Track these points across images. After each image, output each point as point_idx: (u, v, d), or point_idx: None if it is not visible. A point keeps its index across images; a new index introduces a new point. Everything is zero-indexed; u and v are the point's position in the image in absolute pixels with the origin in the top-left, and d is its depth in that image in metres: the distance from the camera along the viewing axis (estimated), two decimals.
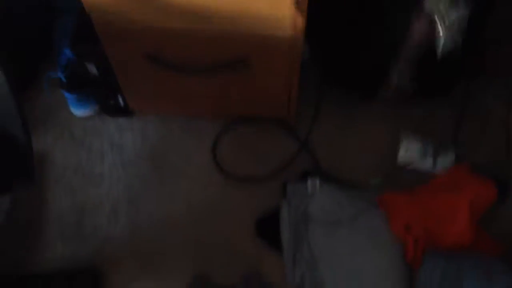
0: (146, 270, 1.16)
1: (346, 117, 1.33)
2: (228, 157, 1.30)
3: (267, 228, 1.19)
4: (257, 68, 1.09)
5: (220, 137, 1.32)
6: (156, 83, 1.20)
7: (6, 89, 0.80)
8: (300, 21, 0.97)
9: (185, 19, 0.99)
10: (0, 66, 0.79)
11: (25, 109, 1.35)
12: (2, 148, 0.87)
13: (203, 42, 1.05)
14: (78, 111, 1.34)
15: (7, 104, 0.83)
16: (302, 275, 1.11)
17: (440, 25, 0.92)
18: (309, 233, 1.14)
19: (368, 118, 1.32)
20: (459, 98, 1.29)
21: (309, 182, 1.20)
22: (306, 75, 1.29)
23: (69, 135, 1.34)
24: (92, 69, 1.23)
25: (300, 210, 1.17)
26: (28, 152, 0.93)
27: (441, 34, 0.94)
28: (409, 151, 1.24)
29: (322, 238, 1.13)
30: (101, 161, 1.30)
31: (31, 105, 1.38)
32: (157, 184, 1.27)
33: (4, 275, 1.13)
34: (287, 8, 0.93)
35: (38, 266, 1.15)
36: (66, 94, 1.31)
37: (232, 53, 1.06)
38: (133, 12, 0.99)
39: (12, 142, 0.89)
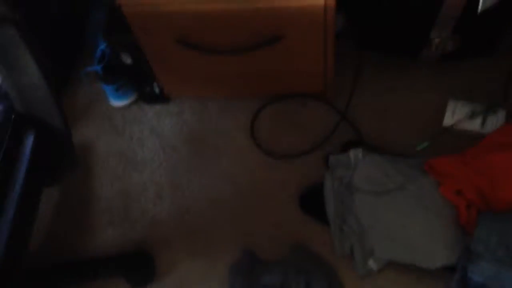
0: (194, 249, 1.17)
1: (387, 84, 1.29)
2: (268, 134, 1.29)
3: (312, 201, 1.17)
4: (292, 42, 1.08)
5: (258, 115, 1.32)
6: (190, 67, 1.20)
7: (42, 80, 0.82)
8: None
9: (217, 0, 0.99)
10: (37, 62, 0.81)
11: (65, 103, 1.41)
12: (44, 140, 0.89)
13: (236, 23, 1.04)
14: (117, 102, 1.37)
15: (45, 99, 0.85)
16: (352, 246, 1.09)
17: None
18: (356, 203, 1.12)
19: (410, 83, 1.28)
20: (506, 56, 1.23)
21: (352, 153, 1.18)
22: (343, 46, 1.26)
23: (110, 125, 1.37)
24: (127, 59, 1.25)
25: (345, 182, 1.15)
26: (69, 143, 0.96)
27: None
28: (456, 113, 1.20)
29: (369, 207, 1.11)
30: (142, 148, 1.32)
31: (71, 99, 1.42)
32: (199, 166, 1.28)
33: (58, 261, 1.16)
34: None
35: (91, 252, 1.19)
36: (104, 86, 1.33)
37: (266, 30, 1.05)
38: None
39: (54, 134, 0.91)
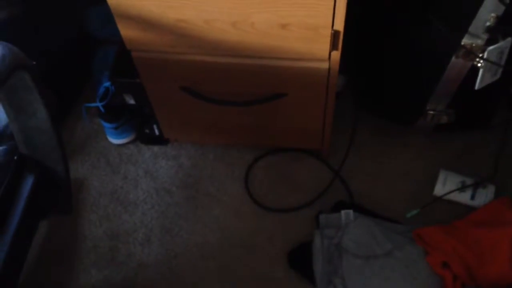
0: None
1: (382, 148, 1.32)
2: (261, 187, 1.30)
3: (300, 258, 1.18)
4: (293, 100, 1.11)
5: (253, 167, 1.33)
6: (192, 114, 1.22)
7: (49, 124, 0.84)
8: (336, 55, 0.99)
9: (224, 54, 1.02)
10: (46, 107, 0.82)
11: (63, 137, 1.41)
12: (44, 184, 0.90)
13: (239, 77, 1.08)
14: (115, 140, 1.38)
15: (48, 139, 0.86)
16: None
17: (478, 58, 0.92)
18: (343, 265, 1.12)
19: (405, 149, 1.32)
20: (499, 130, 1.27)
21: (343, 213, 1.19)
22: (341, 105, 1.30)
23: (106, 163, 1.38)
24: (130, 100, 1.27)
25: (334, 242, 1.16)
26: (68, 189, 0.96)
27: (479, 65, 0.94)
28: (447, 184, 1.22)
29: (356, 271, 1.11)
30: (135, 188, 1.32)
31: (69, 133, 1.42)
32: (191, 212, 1.28)
33: None
34: (323, 42, 0.95)
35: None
36: (104, 123, 1.34)
37: (269, 87, 1.09)
38: (173, 49, 1.03)
39: (53, 180, 0.92)
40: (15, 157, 0.82)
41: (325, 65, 1.01)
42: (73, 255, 1.23)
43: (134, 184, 1.33)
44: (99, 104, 1.32)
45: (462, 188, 1.20)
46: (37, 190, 0.83)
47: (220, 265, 1.19)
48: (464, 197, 1.20)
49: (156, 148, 1.39)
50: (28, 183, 0.81)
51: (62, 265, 1.21)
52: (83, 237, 1.25)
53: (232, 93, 1.10)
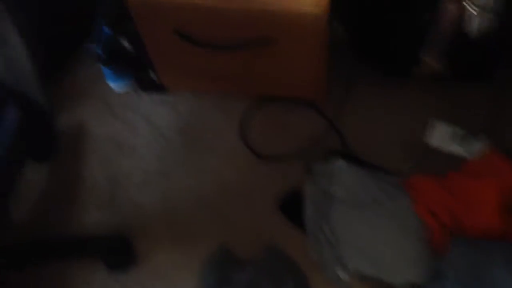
0: (173, 240, 1.20)
1: (377, 98, 1.31)
2: (256, 135, 1.31)
3: (291, 205, 1.20)
4: (282, 46, 1.10)
5: (248, 115, 1.34)
6: (185, 59, 1.22)
7: (28, 61, 0.84)
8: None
9: None
10: (22, 37, 0.82)
11: (66, 81, 1.43)
12: (27, 114, 0.90)
13: (230, 19, 1.06)
14: (115, 85, 1.39)
15: (28, 74, 0.86)
16: (324, 252, 1.13)
17: (471, 6, 0.89)
18: (332, 212, 1.15)
19: (400, 100, 1.30)
20: (497, 83, 1.25)
21: (335, 163, 1.21)
22: (339, 56, 1.28)
23: (106, 108, 1.40)
24: (126, 44, 1.27)
25: (324, 189, 1.18)
26: (50, 119, 0.97)
27: (474, 15, 0.91)
28: (440, 134, 1.22)
29: (344, 218, 1.14)
30: (134, 134, 1.35)
31: (71, 78, 1.44)
32: (187, 157, 1.30)
33: (43, 237, 1.20)
34: None
35: (74, 231, 1.22)
36: (102, 67, 1.36)
37: (257, 30, 1.07)
38: None
39: (36, 110, 0.92)
40: None
41: (314, 10, 0.99)
42: (74, 197, 1.27)
43: (133, 130, 1.36)
44: (98, 49, 1.33)
45: (455, 139, 1.19)
46: (21, 120, 0.84)
47: (214, 210, 1.23)
48: (457, 148, 1.19)
49: (155, 96, 1.40)
50: (12, 112, 0.83)
51: (64, 206, 1.26)
52: (83, 179, 1.29)
53: (222, 38, 1.09)
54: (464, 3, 0.91)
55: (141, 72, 1.36)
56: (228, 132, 1.33)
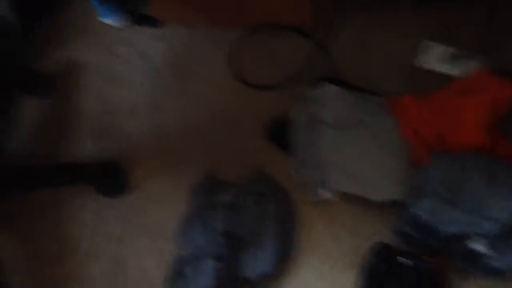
0: (164, 168, 1.23)
1: (367, 22, 1.27)
2: (246, 64, 1.31)
3: (278, 131, 1.20)
4: None
5: (238, 45, 1.33)
6: None
7: None
8: None
9: None
10: None
11: (63, 18, 1.45)
12: None
13: None
14: (108, 20, 1.40)
15: None
16: (308, 174, 1.13)
17: None
18: (319, 135, 1.14)
19: (390, 22, 1.26)
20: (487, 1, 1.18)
21: (324, 88, 1.19)
22: None
23: (101, 43, 1.42)
24: None
25: (312, 114, 1.17)
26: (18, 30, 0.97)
27: None
28: (431, 55, 1.18)
29: (330, 141, 1.13)
30: (127, 68, 1.37)
31: (65, 15, 1.47)
32: (177, 89, 1.32)
33: (42, 164, 1.26)
34: None
35: (71, 159, 1.27)
36: (96, 3, 1.37)
37: None
38: None
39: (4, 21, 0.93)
40: None
41: None
42: (71, 128, 1.32)
43: (126, 63, 1.38)
44: None
45: (448, 59, 1.15)
46: None
47: (202, 138, 1.25)
48: (447, 68, 1.15)
49: (149, 30, 1.41)
50: None
51: (61, 137, 1.31)
52: (80, 112, 1.33)
53: None
54: None
55: (134, 6, 1.37)
56: (219, 63, 1.33)
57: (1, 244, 1.14)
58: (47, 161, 1.26)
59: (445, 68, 1.16)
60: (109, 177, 1.22)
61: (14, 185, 1.15)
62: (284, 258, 1.08)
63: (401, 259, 0.99)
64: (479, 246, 0.93)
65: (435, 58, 1.16)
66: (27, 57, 1.31)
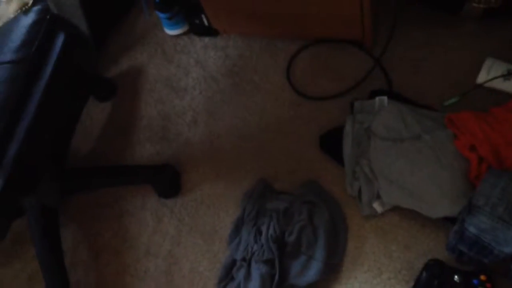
0: (218, 173, 1.28)
1: (426, 37, 1.27)
2: (303, 76, 1.33)
3: (332, 142, 1.22)
4: None
5: (296, 57, 1.37)
6: (234, 2, 1.27)
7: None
8: None
9: None
10: None
11: (125, 29, 1.53)
12: (70, 35, 0.99)
13: None
14: (170, 30, 1.48)
15: (73, 4, 0.94)
16: (360, 187, 1.14)
17: None
18: (371, 148, 1.15)
19: (450, 38, 1.25)
20: None
21: (377, 100, 1.20)
22: None
23: (161, 52, 1.49)
24: None
25: (364, 126, 1.18)
26: (90, 40, 1.05)
27: None
28: (492, 71, 1.16)
29: (383, 153, 1.14)
30: (186, 76, 1.43)
31: (131, 25, 1.55)
32: (234, 98, 1.36)
33: (103, 165, 1.33)
34: None
35: (130, 161, 1.34)
36: (159, 14, 1.44)
37: None
38: None
39: (77, 31, 1.01)
40: (48, 16, 0.94)
41: None
42: (131, 131, 1.39)
43: (185, 72, 1.44)
44: None
45: (507, 75, 1.14)
46: (66, 45, 0.94)
47: (257, 146, 1.28)
48: (508, 85, 1.14)
49: (206, 40, 1.47)
50: (60, 38, 0.93)
51: (122, 139, 1.38)
52: (140, 117, 1.40)
53: None
54: None
55: (193, 17, 1.43)
56: (275, 73, 1.36)
57: (64, 237, 1.21)
58: (110, 162, 1.32)
59: (506, 86, 1.14)
60: (165, 179, 1.27)
61: (81, 184, 1.22)
62: (334, 269, 1.09)
63: (455, 277, 0.98)
64: None
65: (498, 76, 1.15)
66: (96, 64, 1.39)
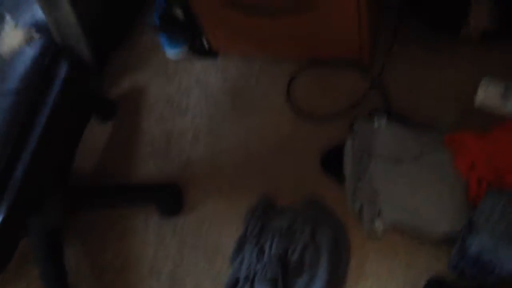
0: (220, 191, 1.29)
1: (424, 59, 1.31)
2: (301, 95, 1.36)
3: (332, 161, 1.24)
4: (323, 6, 1.14)
5: (294, 77, 1.39)
6: (234, 25, 1.30)
7: (76, 22, 0.95)
8: None
9: None
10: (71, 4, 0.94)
11: (128, 50, 1.56)
12: (74, 63, 1.01)
13: None
14: (170, 51, 1.50)
15: (77, 34, 0.98)
16: (361, 206, 1.16)
17: None
18: (371, 167, 1.17)
19: (448, 60, 1.29)
20: None
21: (376, 119, 1.23)
22: (385, 13, 1.29)
23: (163, 73, 1.51)
24: (179, 12, 1.37)
25: (364, 145, 1.20)
26: (94, 68, 1.08)
27: None
28: (488, 93, 1.19)
29: (383, 172, 1.16)
30: (187, 96, 1.45)
31: (133, 47, 1.57)
32: (235, 117, 1.38)
33: (104, 184, 1.34)
34: None
35: (132, 180, 1.35)
36: (159, 35, 1.46)
37: None
38: None
39: (84, 66, 1.04)
40: (52, 47, 0.96)
41: None
42: (133, 150, 1.40)
43: (186, 92, 1.46)
44: (156, 19, 1.44)
45: (504, 96, 1.17)
46: (70, 72, 0.97)
47: (258, 164, 1.30)
48: (505, 106, 1.17)
49: (207, 61, 1.49)
50: (63, 66, 0.96)
51: (124, 158, 1.39)
52: (142, 135, 1.41)
53: (265, 2, 1.16)
54: None
55: (193, 39, 1.46)
56: (274, 93, 1.38)
57: (67, 256, 1.21)
58: (113, 181, 1.33)
59: (504, 106, 1.18)
60: (167, 198, 1.28)
61: (85, 203, 1.23)
62: (337, 287, 1.10)
63: None
64: None
65: (494, 96, 1.18)
66: (98, 85, 1.41)
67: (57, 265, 1.12)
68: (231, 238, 1.20)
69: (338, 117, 1.30)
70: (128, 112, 1.47)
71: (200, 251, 1.21)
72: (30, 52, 0.97)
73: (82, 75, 1.02)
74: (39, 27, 0.99)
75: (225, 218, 1.25)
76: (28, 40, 0.98)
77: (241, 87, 1.43)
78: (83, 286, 1.21)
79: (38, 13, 0.97)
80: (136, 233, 1.27)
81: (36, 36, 0.98)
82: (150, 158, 1.37)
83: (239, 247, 1.18)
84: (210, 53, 1.47)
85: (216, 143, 1.36)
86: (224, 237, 1.21)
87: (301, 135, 1.31)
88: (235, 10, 1.22)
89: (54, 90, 0.93)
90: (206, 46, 1.45)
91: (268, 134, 1.34)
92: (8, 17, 1.02)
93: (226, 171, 1.31)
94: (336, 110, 1.30)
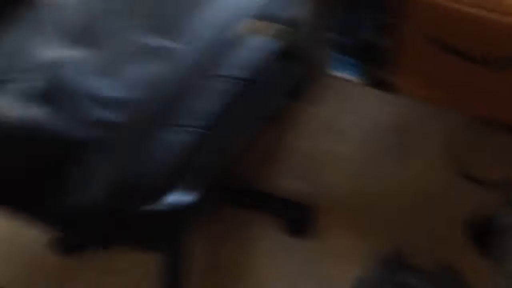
0: (350, 226, 1.25)
1: None
2: (465, 153, 1.26)
3: (480, 231, 1.11)
4: None
5: (462, 133, 1.29)
6: (436, 68, 1.17)
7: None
8: None
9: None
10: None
11: None
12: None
13: (499, 34, 0.99)
14: (340, 72, 1.46)
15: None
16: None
17: None
18: None
19: None
20: None
21: None
22: None
23: (330, 94, 1.49)
24: (370, 36, 1.33)
25: None
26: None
27: None
28: None
29: None
30: (350, 122, 1.42)
31: None
32: (389, 155, 1.33)
33: (243, 188, 1.37)
34: None
35: (270, 189, 1.35)
36: (338, 56, 1.44)
37: None
38: None
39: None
40: (293, 50, 0.93)
41: None
42: (278, 163, 1.41)
43: (350, 118, 1.42)
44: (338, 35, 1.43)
45: None
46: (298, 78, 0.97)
47: (399, 211, 1.23)
48: None
49: (379, 92, 1.43)
50: (293, 70, 0.95)
51: (267, 169, 1.40)
52: (291, 150, 1.41)
53: (485, 51, 1.03)
54: None
55: (373, 66, 1.41)
56: (435, 144, 1.30)
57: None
58: (252, 186, 1.37)
59: None
60: (296, 217, 1.28)
61: (229, 200, 1.29)
62: None
63: None
64: None
65: None
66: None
67: (180, 256, 1.11)
68: (349, 278, 1.12)
69: (496, 184, 1.16)
70: (283, 124, 1.49)
71: (311, 280, 1.18)
72: (267, 44, 0.88)
73: (306, 81, 1.01)
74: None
75: (347, 255, 1.20)
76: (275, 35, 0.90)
77: (405, 127, 1.36)
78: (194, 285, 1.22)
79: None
80: (253, 241, 1.27)
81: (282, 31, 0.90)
82: (291, 174, 1.37)
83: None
84: (388, 87, 1.41)
85: (363, 176, 1.31)
86: (341, 274, 1.16)
87: (454, 193, 1.21)
88: (447, 54, 1.09)
89: (277, 91, 0.94)
90: (385, 77, 1.39)
91: (418, 183, 1.26)
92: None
93: (363, 208, 1.26)
94: (498, 178, 1.18)
